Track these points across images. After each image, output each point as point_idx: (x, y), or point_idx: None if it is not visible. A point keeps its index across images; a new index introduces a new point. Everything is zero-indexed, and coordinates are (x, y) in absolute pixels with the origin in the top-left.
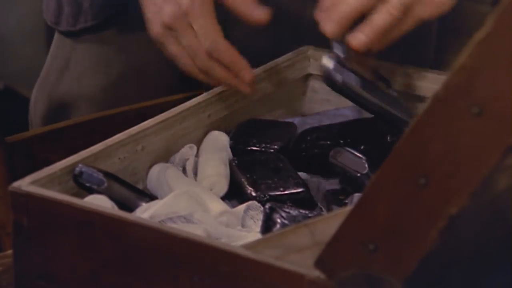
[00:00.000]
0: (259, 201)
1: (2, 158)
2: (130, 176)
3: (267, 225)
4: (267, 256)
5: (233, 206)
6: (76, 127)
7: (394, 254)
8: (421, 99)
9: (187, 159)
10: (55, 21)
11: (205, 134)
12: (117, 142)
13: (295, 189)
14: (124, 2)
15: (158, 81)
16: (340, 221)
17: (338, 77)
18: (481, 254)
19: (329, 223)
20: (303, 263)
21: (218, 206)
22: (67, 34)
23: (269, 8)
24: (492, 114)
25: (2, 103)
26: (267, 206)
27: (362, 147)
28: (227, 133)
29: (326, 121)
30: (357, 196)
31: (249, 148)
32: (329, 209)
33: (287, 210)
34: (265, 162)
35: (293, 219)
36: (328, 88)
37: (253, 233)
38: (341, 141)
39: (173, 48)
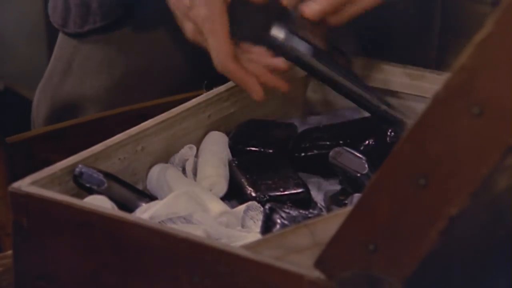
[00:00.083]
0: (259, 202)
1: (2, 158)
2: (130, 176)
3: (267, 226)
4: (267, 256)
5: (233, 207)
6: (76, 127)
7: (394, 254)
8: (421, 99)
9: (187, 160)
10: (62, 23)
11: (205, 134)
12: (117, 143)
13: (295, 190)
14: (131, 3)
15: (161, 82)
16: (340, 221)
17: (288, 45)
18: (481, 254)
19: (329, 223)
20: (303, 264)
21: (218, 206)
22: (74, 35)
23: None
24: (492, 114)
25: (2, 103)
26: (267, 207)
27: (362, 147)
28: (227, 133)
29: (326, 121)
30: (357, 196)
31: (248, 148)
32: (329, 210)
33: (287, 210)
34: (265, 162)
35: (293, 220)
36: (328, 88)
37: (253, 234)
38: (341, 141)
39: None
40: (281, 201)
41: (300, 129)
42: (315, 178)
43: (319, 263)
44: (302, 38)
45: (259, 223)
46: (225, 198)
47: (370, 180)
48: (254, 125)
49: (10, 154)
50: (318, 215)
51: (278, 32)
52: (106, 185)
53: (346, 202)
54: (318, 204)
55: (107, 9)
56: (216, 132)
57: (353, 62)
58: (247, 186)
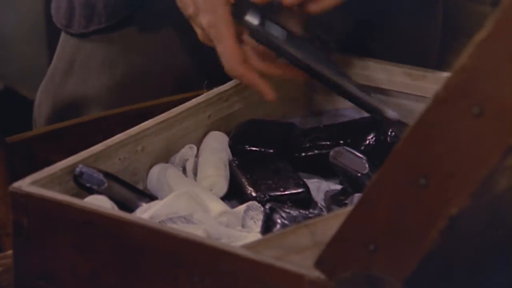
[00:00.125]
0: (259, 202)
1: (2, 158)
2: (130, 176)
3: (267, 226)
4: (267, 256)
5: (233, 207)
6: (76, 127)
7: (394, 254)
8: (421, 99)
9: (187, 160)
10: (66, 24)
11: (205, 134)
12: (117, 143)
13: (295, 190)
14: (135, 3)
15: (162, 82)
16: (340, 221)
17: (260, 29)
18: (481, 254)
19: (329, 223)
20: (303, 264)
21: (218, 206)
22: (76, 35)
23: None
24: (492, 115)
25: (2, 103)
26: (267, 207)
27: (362, 147)
28: (227, 133)
29: (326, 121)
30: (357, 196)
31: (249, 148)
32: (329, 210)
33: (287, 210)
34: (265, 162)
35: (293, 220)
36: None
37: (253, 234)
38: (341, 141)
39: None
40: (281, 201)
41: (300, 129)
42: (315, 178)
43: (319, 263)
44: (277, 24)
45: (259, 223)
46: (225, 198)
47: (370, 180)
48: (254, 125)
49: (10, 154)
50: (318, 215)
51: (252, 18)
52: (106, 185)
53: (347, 202)
54: (319, 204)
55: (112, 9)
56: (216, 132)
57: (334, 53)
58: (247, 186)
